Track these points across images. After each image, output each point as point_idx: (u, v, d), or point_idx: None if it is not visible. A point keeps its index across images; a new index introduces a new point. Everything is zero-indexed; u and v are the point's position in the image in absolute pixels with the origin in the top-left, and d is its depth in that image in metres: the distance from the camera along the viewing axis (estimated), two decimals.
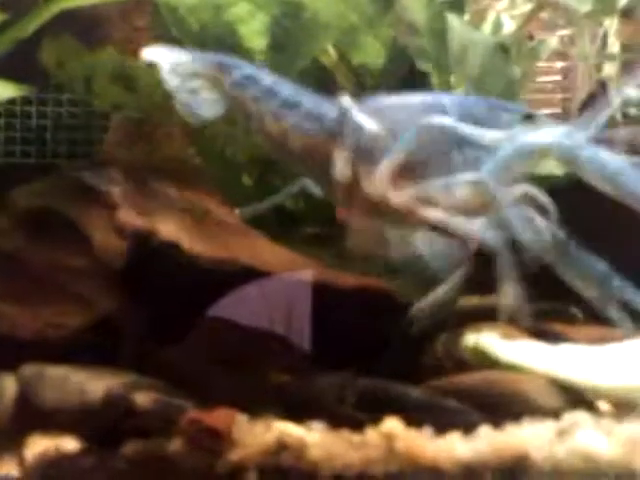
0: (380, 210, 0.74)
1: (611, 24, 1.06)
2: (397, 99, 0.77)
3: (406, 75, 0.92)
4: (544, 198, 0.74)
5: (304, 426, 0.61)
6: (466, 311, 0.87)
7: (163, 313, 0.71)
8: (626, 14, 1.05)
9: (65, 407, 0.58)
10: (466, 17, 1.01)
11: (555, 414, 0.67)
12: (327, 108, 0.76)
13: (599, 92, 0.89)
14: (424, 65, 0.87)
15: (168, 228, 0.69)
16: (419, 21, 0.86)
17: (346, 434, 0.61)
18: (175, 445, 0.56)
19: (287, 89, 0.77)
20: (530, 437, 0.61)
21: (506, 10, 1.00)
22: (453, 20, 0.88)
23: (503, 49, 0.92)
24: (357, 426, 0.62)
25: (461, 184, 0.71)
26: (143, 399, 0.58)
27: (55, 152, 0.88)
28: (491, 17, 1.01)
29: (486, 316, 0.85)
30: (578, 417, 0.67)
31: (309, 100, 0.77)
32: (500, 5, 1.02)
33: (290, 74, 0.87)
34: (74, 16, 0.83)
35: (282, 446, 0.58)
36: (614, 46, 1.07)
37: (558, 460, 0.58)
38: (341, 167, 0.73)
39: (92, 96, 0.83)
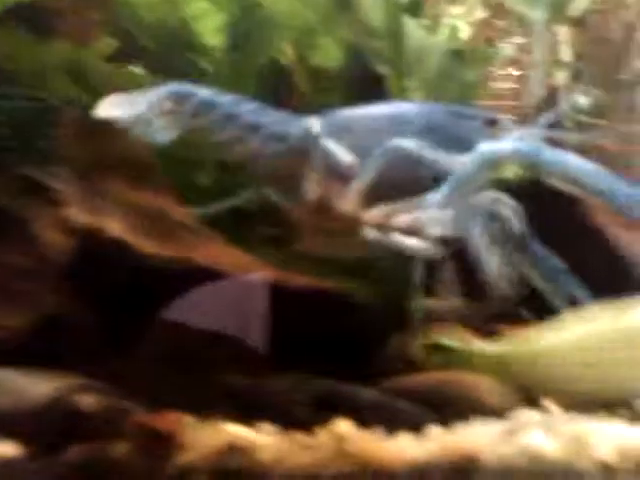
0: (349, 228, 0.74)
1: (563, 33, 1.08)
2: (362, 112, 0.76)
3: (364, 78, 0.92)
4: (510, 201, 0.75)
5: (255, 428, 0.60)
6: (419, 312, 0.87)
7: (111, 313, 0.69)
8: (578, 23, 1.07)
9: (5, 411, 0.56)
10: (423, 21, 1.02)
11: (504, 414, 0.68)
12: (291, 126, 0.75)
13: (550, 99, 0.90)
14: (381, 68, 0.87)
15: (117, 226, 0.67)
16: (376, 23, 0.86)
17: (297, 436, 0.61)
18: (121, 449, 0.55)
19: (247, 110, 0.75)
20: (479, 437, 0.62)
21: (462, 16, 1.01)
22: (410, 23, 0.88)
23: (459, 54, 0.93)
24: (308, 428, 0.61)
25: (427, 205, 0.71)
26: (88, 402, 0.56)
27: (2, 147, 0.85)
28: (447, 22, 1.02)
29: (439, 318, 0.85)
30: (526, 416, 0.68)
31: (271, 119, 0.75)
32: (456, 11, 1.02)
33: (248, 73, 0.86)
34: (25, 8, 0.80)
35: (232, 448, 0.57)
36: (566, 54, 1.09)
37: (506, 460, 0.58)
38: (312, 187, 0.72)
39: (43, 90, 0.80)
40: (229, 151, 0.75)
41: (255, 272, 0.77)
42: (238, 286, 0.79)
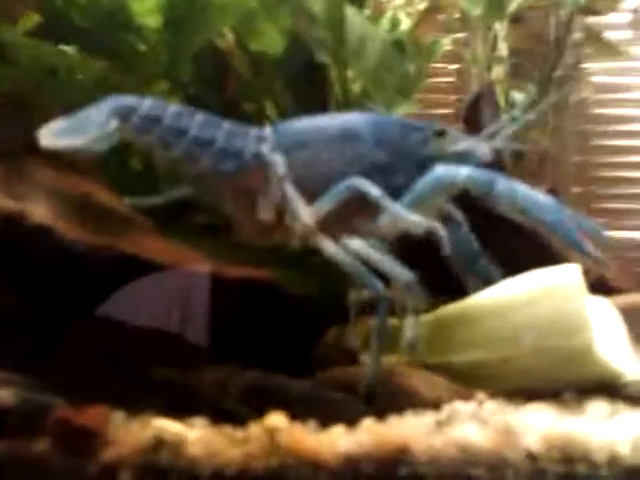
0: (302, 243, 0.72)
1: (501, 28, 1.08)
2: (313, 125, 0.74)
3: (306, 65, 0.90)
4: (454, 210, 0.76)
5: (184, 422, 0.58)
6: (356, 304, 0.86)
7: (34, 302, 0.65)
8: (516, 20, 1.07)
9: None
10: (366, 12, 1.00)
11: (436, 405, 0.67)
12: (243, 141, 0.72)
13: (486, 92, 0.90)
14: (322, 57, 0.85)
15: (41, 211, 0.63)
16: (318, 11, 0.84)
17: (228, 430, 0.59)
18: (41, 445, 0.51)
19: (197, 124, 0.71)
20: (411, 429, 0.61)
21: (403, 7, 1.00)
22: (351, 13, 0.87)
23: (399, 46, 0.92)
24: (240, 421, 0.59)
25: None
26: (5, 396, 0.52)
27: None
28: (389, 14, 1.00)
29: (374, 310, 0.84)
30: (457, 408, 0.68)
31: (222, 134, 0.72)
32: (398, 1, 1.01)
33: (185, 55, 0.82)
34: None
35: (159, 443, 0.54)
36: (503, 50, 1.10)
37: (436, 451, 0.58)
38: (265, 206, 0.70)
39: None
40: (180, 168, 0.72)
41: (188, 262, 0.74)
42: (167, 276, 0.76)
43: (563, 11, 1.05)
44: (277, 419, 0.58)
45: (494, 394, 0.71)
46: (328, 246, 0.70)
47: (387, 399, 0.68)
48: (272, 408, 0.60)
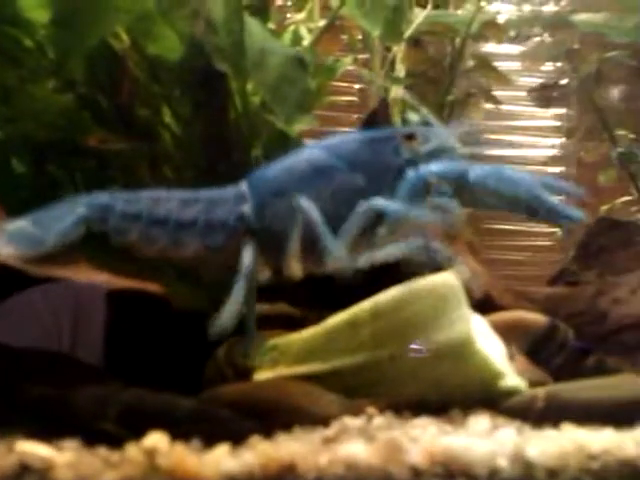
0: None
1: (398, 50, 1.10)
2: (283, 171, 0.70)
3: (205, 74, 0.87)
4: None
5: (54, 445, 0.53)
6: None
7: None
8: (415, 43, 1.09)
9: None
10: (270, 26, 0.99)
11: (326, 421, 0.66)
12: (223, 208, 0.69)
13: (380, 110, 0.90)
14: (221, 65, 0.82)
15: None
16: (217, 18, 0.81)
17: (103, 452, 0.54)
18: None
19: (173, 208, 0.68)
20: (298, 446, 0.59)
21: (304, 22, 0.99)
22: (252, 23, 0.85)
23: (301, 61, 0.91)
24: (116, 442, 0.54)
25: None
26: None
27: None
28: (291, 28, 0.99)
29: (270, 324, 0.82)
30: (346, 423, 0.66)
31: (203, 207, 0.68)
32: (299, 16, 1.00)
33: (75, 54, 0.77)
34: None
35: (24, 468, 0.49)
36: (401, 71, 1.11)
37: (322, 469, 0.56)
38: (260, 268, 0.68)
39: None
40: (169, 255, 0.69)
41: (68, 272, 0.69)
42: (47, 287, 0.70)
43: (457, 38, 1.08)
44: (157, 439, 0.54)
45: (384, 408, 0.70)
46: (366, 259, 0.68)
47: (277, 416, 0.66)
48: (153, 428, 0.56)
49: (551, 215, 0.65)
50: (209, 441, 0.58)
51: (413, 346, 0.68)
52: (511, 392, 0.74)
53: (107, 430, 0.57)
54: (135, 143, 0.81)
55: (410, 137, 0.70)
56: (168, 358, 0.78)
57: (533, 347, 0.81)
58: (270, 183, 0.70)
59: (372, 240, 0.68)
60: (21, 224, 0.65)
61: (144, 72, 0.84)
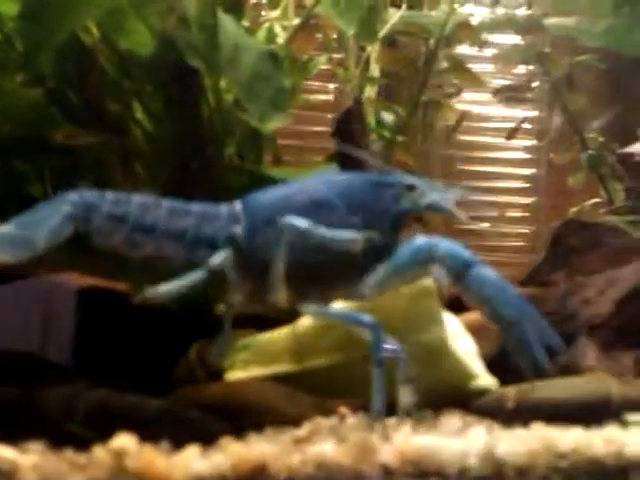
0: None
1: (373, 50, 1.10)
2: (284, 199, 0.68)
3: (178, 70, 0.85)
4: None
5: (18, 447, 0.51)
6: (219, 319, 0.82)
7: None
8: (390, 44, 1.09)
9: None
10: (244, 23, 0.98)
11: (298, 421, 0.65)
12: (214, 225, 0.67)
13: (354, 109, 0.90)
14: (194, 61, 0.81)
15: None
16: (190, 14, 0.79)
17: (69, 454, 0.52)
18: None
19: (162, 216, 0.66)
20: (269, 447, 0.58)
21: (278, 20, 0.98)
22: (226, 20, 0.83)
23: (275, 58, 0.90)
24: (83, 444, 0.53)
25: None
26: None
27: None
28: (266, 26, 0.98)
29: (243, 324, 0.81)
30: (318, 423, 0.66)
31: (193, 220, 0.66)
32: (274, 14, 0.99)
33: (45, 48, 0.75)
34: None
35: None
36: (375, 71, 1.11)
37: (293, 469, 0.55)
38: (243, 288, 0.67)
39: None
40: (152, 262, 0.67)
41: (35, 273, 0.67)
42: (17, 290, 0.68)
43: (431, 39, 1.08)
44: (125, 440, 0.53)
45: (356, 408, 0.70)
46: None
47: (249, 416, 0.65)
48: (121, 429, 0.54)
49: (519, 356, 0.64)
50: (179, 442, 0.57)
51: (387, 347, 0.68)
52: (482, 392, 0.74)
53: (74, 431, 0.55)
54: (106, 139, 0.79)
55: (411, 188, 0.69)
56: (138, 357, 0.76)
57: (504, 347, 0.81)
58: (266, 208, 0.68)
59: (358, 288, 0.68)
60: (6, 229, 0.63)
61: (115, 67, 0.83)
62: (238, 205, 0.69)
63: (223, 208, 0.69)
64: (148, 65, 0.83)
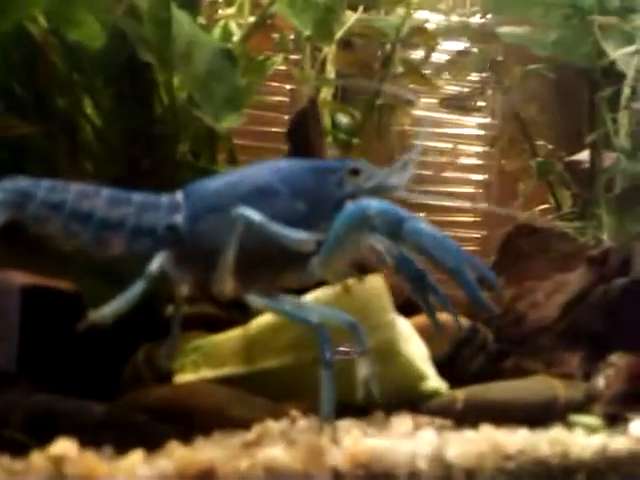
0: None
1: (329, 51, 1.09)
2: (225, 186, 0.67)
3: (129, 64, 0.83)
4: None
5: None
6: (169, 320, 0.80)
7: None
8: (346, 45, 1.09)
9: None
10: (200, 20, 0.96)
11: (247, 425, 0.64)
12: (154, 215, 0.65)
13: (309, 109, 0.89)
14: (145, 55, 0.79)
15: None
16: (142, 7, 0.77)
17: (5, 460, 0.50)
18: None
19: (101, 204, 0.65)
20: (217, 451, 0.57)
21: (234, 18, 0.97)
22: (180, 15, 0.81)
23: (230, 56, 0.88)
24: (21, 450, 0.51)
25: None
26: None
27: None
28: (221, 23, 0.97)
29: (192, 325, 0.79)
30: (268, 427, 0.65)
31: (132, 210, 0.65)
32: (229, 11, 0.98)
33: None
34: None
35: None
36: (331, 73, 1.11)
37: (242, 473, 0.54)
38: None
39: None
40: (90, 252, 0.65)
41: None
42: None
43: (387, 43, 1.09)
44: (65, 446, 0.51)
45: (307, 411, 0.69)
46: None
47: (197, 420, 0.63)
48: (61, 434, 0.52)
49: (467, 291, 0.64)
50: (123, 447, 0.55)
51: (339, 349, 0.67)
52: (433, 394, 0.74)
53: (11, 437, 0.53)
54: (46, 130, 0.77)
55: (355, 172, 0.69)
56: (84, 360, 0.73)
57: (454, 349, 0.82)
58: (208, 196, 0.67)
59: (307, 270, 0.66)
60: None
61: (64, 60, 0.80)
62: (179, 194, 0.68)
63: (164, 197, 0.68)
64: (98, 58, 0.80)
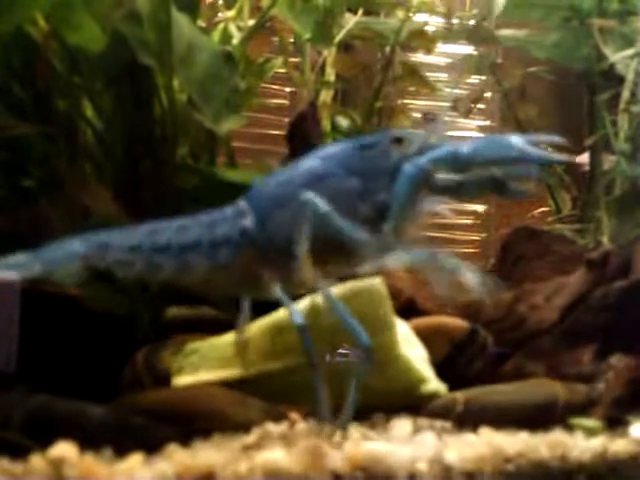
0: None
1: (329, 55, 1.09)
2: (281, 182, 0.69)
3: (130, 68, 0.83)
4: None
5: None
6: (169, 323, 0.80)
7: None
8: (347, 49, 1.09)
9: None
10: (199, 22, 0.96)
11: (247, 427, 0.64)
12: (223, 225, 0.68)
13: (309, 111, 0.89)
14: (145, 59, 0.79)
15: None
16: (142, 10, 0.77)
17: (5, 463, 0.50)
18: None
19: (171, 233, 0.68)
20: (216, 454, 0.57)
21: (234, 21, 0.97)
22: (181, 18, 0.82)
23: (230, 59, 0.88)
24: (21, 453, 0.50)
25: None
26: None
27: None
28: (221, 26, 0.97)
29: (189, 328, 0.79)
30: (268, 430, 0.64)
31: (203, 228, 0.68)
32: (229, 14, 0.98)
33: None
34: None
35: None
36: (331, 76, 1.11)
37: (241, 476, 0.54)
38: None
39: None
40: (177, 279, 0.68)
41: None
42: None
43: (387, 45, 1.09)
44: (64, 449, 0.51)
45: (307, 414, 0.69)
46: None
47: (197, 423, 0.63)
48: (61, 437, 0.52)
49: (542, 159, 0.65)
50: (123, 450, 0.54)
51: (339, 351, 0.67)
52: (432, 396, 0.74)
53: (10, 440, 0.53)
54: (44, 131, 0.77)
55: (398, 140, 0.70)
56: (84, 362, 0.73)
57: (454, 351, 0.82)
58: (270, 195, 0.69)
59: (382, 238, 0.67)
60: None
61: (63, 62, 0.80)
62: (242, 202, 0.71)
63: (227, 209, 0.71)
64: (98, 61, 0.80)
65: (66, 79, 0.81)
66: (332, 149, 0.71)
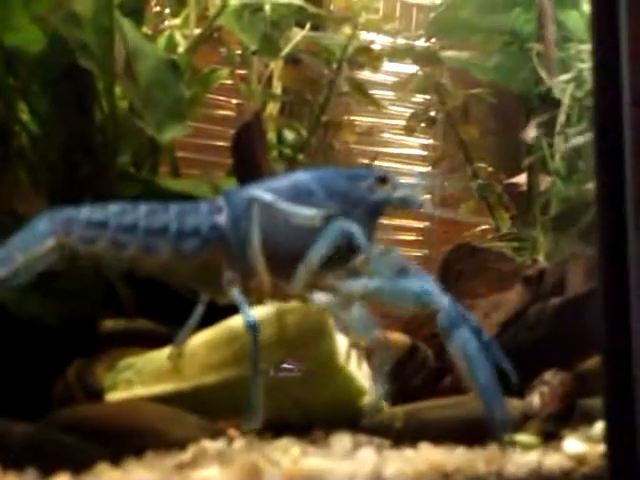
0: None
1: (276, 67, 1.09)
2: (264, 189, 0.70)
3: (69, 71, 0.80)
4: None
5: None
6: (104, 335, 0.77)
7: None
8: (294, 62, 1.09)
9: None
10: (144, 29, 0.94)
11: (182, 444, 0.62)
12: (196, 217, 0.68)
13: (253, 123, 0.88)
14: (86, 63, 0.76)
15: None
16: (83, 13, 0.75)
17: None
18: None
19: (142, 215, 0.67)
20: (148, 473, 0.54)
21: (179, 29, 0.95)
22: (125, 23, 0.79)
23: (174, 66, 0.86)
24: None
25: None
26: None
27: None
28: (167, 34, 0.95)
29: (125, 341, 0.77)
30: (204, 447, 0.62)
31: (173, 216, 0.68)
32: (175, 22, 0.96)
33: None
34: None
35: None
36: (277, 88, 1.10)
37: None
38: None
39: None
40: (138, 263, 0.68)
41: None
42: None
43: (334, 61, 1.09)
44: None
45: (246, 430, 0.67)
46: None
47: (130, 440, 0.61)
48: None
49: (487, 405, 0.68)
50: (49, 470, 0.52)
51: (279, 365, 0.66)
52: (372, 411, 0.74)
53: None
54: None
55: (383, 180, 0.73)
56: (11, 376, 0.70)
57: (395, 366, 0.82)
58: (248, 197, 0.70)
59: (349, 269, 0.70)
60: None
61: None
62: (220, 199, 0.71)
63: (203, 203, 0.71)
64: (36, 63, 0.77)
65: (1, 80, 0.77)
66: (323, 171, 0.74)
